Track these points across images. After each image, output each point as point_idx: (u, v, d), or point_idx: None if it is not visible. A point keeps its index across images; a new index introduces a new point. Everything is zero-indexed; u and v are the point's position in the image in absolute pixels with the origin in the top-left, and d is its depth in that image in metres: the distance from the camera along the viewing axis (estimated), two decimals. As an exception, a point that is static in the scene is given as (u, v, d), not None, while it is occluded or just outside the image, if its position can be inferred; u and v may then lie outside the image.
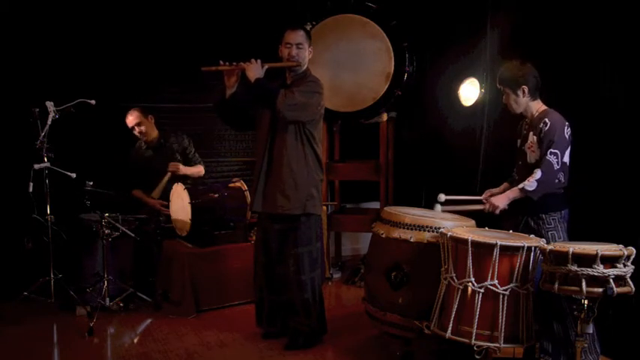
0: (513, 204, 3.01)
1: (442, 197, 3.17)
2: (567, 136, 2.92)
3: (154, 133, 4.58)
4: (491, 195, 3.23)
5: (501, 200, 3.01)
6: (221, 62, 3.30)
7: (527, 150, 3.04)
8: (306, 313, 3.44)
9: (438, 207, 3.19)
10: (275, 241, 3.45)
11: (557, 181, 2.91)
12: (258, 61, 3.27)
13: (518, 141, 3.19)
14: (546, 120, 2.93)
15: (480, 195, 3.23)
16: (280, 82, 3.47)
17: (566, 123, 2.94)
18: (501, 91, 3.11)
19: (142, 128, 4.50)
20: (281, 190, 3.34)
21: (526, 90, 3.00)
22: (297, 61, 3.36)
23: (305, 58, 3.41)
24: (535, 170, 2.91)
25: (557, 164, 2.88)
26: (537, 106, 3.06)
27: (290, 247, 3.41)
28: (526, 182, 2.90)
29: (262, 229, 3.54)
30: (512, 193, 2.98)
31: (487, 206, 3.04)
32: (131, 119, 4.49)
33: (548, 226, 2.97)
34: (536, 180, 2.88)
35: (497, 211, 3.00)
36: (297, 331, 3.47)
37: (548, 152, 2.88)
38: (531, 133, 3.02)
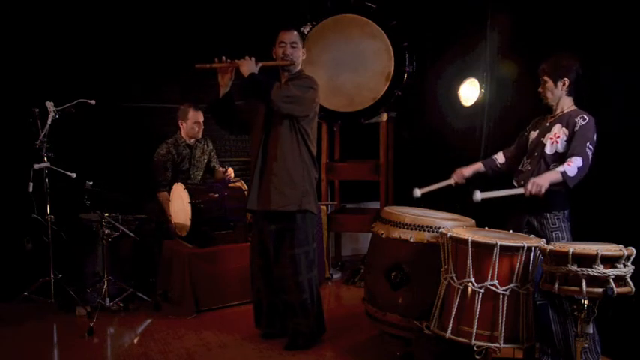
0: (516, 203, 2.98)
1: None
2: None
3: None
4: (462, 174, 3.31)
5: (543, 181, 2.80)
6: (215, 60, 3.31)
7: (548, 140, 2.99)
8: (304, 313, 3.43)
9: (478, 194, 2.88)
10: (271, 242, 3.43)
11: (586, 173, 2.86)
12: (252, 58, 3.29)
13: (533, 133, 3.15)
14: (584, 116, 2.91)
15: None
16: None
17: None
18: (539, 79, 3.05)
19: (201, 126, 4.59)
20: (276, 187, 3.33)
21: (567, 83, 2.98)
22: (291, 59, 3.37)
23: (299, 57, 3.42)
24: (573, 158, 2.82)
25: (590, 159, 2.86)
26: (569, 103, 3.03)
27: (286, 248, 3.40)
28: (566, 166, 2.80)
29: (258, 230, 3.52)
30: (552, 176, 2.81)
31: (531, 188, 2.78)
32: (198, 114, 4.56)
33: (552, 226, 2.95)
34: (577, 167, 2.81)
35: (543, 191, 2.79)
36: (297, 332, 3.46)
37: (587, 145, 2.85)
38: (559, 125, 2.98)
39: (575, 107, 3.03)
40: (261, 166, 3.38)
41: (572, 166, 2.81)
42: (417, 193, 3.33)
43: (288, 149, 3.34)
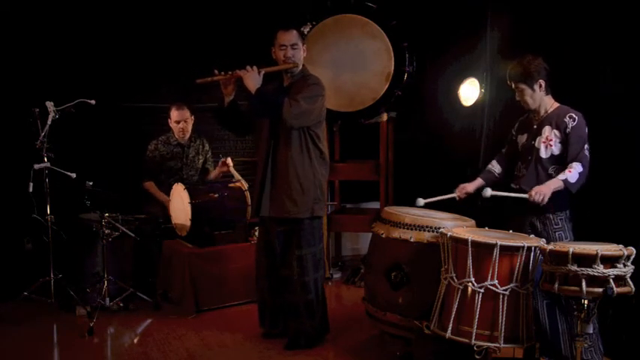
0: (518, 205, 2.97)
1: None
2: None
3: (189, 133, 4.66)
4: (465, 190, 3.29)
5: (547, 190, 2.83)
6: (215, 72, 3.22)
7: (542, 144, 2.99)
8: (309, 313, 3.43)
9: (488, 191, 2.97)
10: (279, 242, 3.42)
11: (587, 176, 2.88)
12: (254, 67, 3.20)
13: (521, 137, 3.15)
14: (573, 115, 2.91)
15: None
16: (277, 83, 3.45)
17: None
18: (513, 88, 3.05)
19: (185, 125, 4.58)
20: (288, 195, 3.31)
21: (543, 84, 2.98)
22: (293, 62, 3.32)
23: (301, 57, 3.36)
24: (573, 164, 2.85)
25: (589, 159, 2.87)
26: (551, 102, 3.04)
27: (294, 249, 3.38)
28: (567, 173, 2.83)
29: (265, 231, 3.50)
30: (554, 184, 2.84)
31: (535, 196, 2.80)
32: (179, 113, 4.56)
33: (555, 226, 2.95)
34: (578, 172, 2.83)
35: (546, 200, 2.81)
36: (300, 332, 3.45)
37: (585, 147, 2.87)
38: (548, 127, 2.98)
39: (558, 104, 3.04)
40: (272, 173, 3.35)
41: (573, 172, 2.83)
42: (421, 202, 3.30)
43: (298, 155, 3.30)
